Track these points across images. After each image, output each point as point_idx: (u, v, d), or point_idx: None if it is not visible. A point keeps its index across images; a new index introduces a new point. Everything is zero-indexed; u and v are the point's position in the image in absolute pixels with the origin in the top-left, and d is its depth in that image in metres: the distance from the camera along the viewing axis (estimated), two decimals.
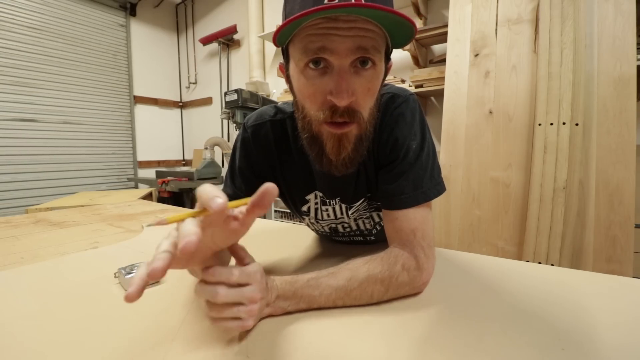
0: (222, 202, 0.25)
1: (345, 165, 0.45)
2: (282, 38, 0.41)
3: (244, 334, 0.36)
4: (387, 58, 0.44)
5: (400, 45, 0.43)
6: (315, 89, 0.41)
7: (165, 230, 0.29)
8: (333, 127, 0.42)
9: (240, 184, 0.56)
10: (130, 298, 0.23)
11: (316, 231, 0.71)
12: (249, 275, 0.33)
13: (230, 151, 0.59)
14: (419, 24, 2.10)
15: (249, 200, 0.29)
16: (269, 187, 0.27)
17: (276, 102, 0.63)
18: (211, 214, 0.27)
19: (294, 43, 0.41)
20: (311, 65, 0.40)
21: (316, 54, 0.39)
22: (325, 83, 0.40)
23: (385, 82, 0.52)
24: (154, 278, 0.24)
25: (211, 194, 0.26)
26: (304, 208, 0.61)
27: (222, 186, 0.60)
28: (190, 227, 0.25)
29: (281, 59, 0.48)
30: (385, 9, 0.35)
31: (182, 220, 0.27)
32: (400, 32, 0.40)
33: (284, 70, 0.48)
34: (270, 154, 0.56)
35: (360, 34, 0.38)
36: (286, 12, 0.42)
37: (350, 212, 0.58)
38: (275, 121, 0.55)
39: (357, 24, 0.37)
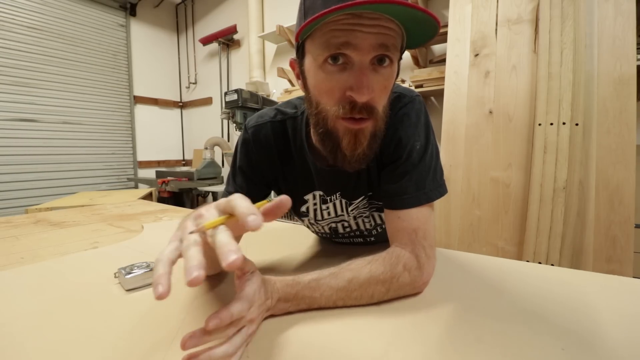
0: (260, 222, 0.26)
1: (359, 161, 0.46)
2: (303, 33, 0.41)
3: None
4: (400, 57, 0.45)
5: (418, 44, 0.43)
6: (333, 84, 0.41)
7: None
8: (350, 122, 0.42)
9: (241, 182, 0.56)
10: (163, 296, 0.24)
11: (316, 233, 0.71)
12: (249, 301, 0.33)
13: (230, 151, 0.60)
14: None
15: (265, 204, 0.30)
16: (284, 200, 0.29)
17: (276, 102, 0.63)
18: (246, 226, 0.27)
19: (314, 38, 0.41)
20: (330, 61, 0.40)
21: (338, 49, 0.39)
22: (344, 79, 0.40)
23: None
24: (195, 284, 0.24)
25: (248, 210, 0.26)
26: (303, 208, 0.61)
27: (224, 186, 0.60)
28: (228, 242, 0.25)
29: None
30: (413, 6, 0.35)
31: (217, 225, 0.28)
32: (420, 31, 0.40)
33: (296, 66, 0.47)
34: (271, 154, 0.56)
35: (383, 32, 0.38)
36: (306, 7, 0.41)
37: (350, 209, 0.58)
38: (275, 122, 0.56)
39: (380, 22, 0.38)
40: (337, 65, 0.40)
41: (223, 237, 0.26)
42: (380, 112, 0.43)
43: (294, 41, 0.46)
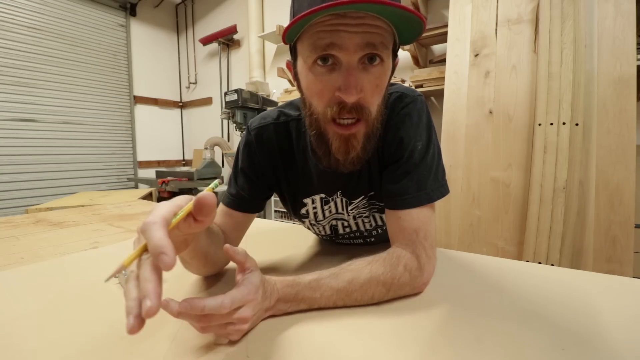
0: (172, 264, 0.25)
1: (353, 163, 0.46)
2: (291, 35, 0.41)
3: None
4: (394, 54, 0.44)
5: (409, 41, 0.43)
6: (323, 85, 0.41)
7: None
8: (340, 128, 0.42)
9: (243, 183, 0.56)
10: (134, 331, 0.23)
11: (317, 234, 0.71)
12: (242, 299, 0.33)
13: (229, 151, 0.60)
14: None
15: (185, 212, 0.29)
16: (202, 198, 0.29)
17: (276, 102, 0.63)
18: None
19: (302, 40, 0.41)
20: (319, 62, 0.40)
21: (325, 50, 0.39)
22: (333, 79, 0.40)
23: (391, 81, 0.52)
24: (151, 316, 0.23)
25: (159, 248, 0.25)
26: (303, 210, 0.61)
27: (226, 187, 0.60)
28: (150, 289, 0.25)
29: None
30: (394, 4, 0.35)
31: (137, 258, 0.26)
32: (408, 28, 0.40)
33: (291, 67, 0.48)
34: (273, 156, 0.56)
35: (369, 30, 0.38)
36: (294, 10, 0.42)
37: (350, 208, 0.58)
38: (278, 124, 0.56)
39: (365, 21, 0.37)
40: (326, 66, 0.40)
41: (146, 284, 0.25)
42: (373, 112, 0.42)
43: (284, 43, 0.46)
